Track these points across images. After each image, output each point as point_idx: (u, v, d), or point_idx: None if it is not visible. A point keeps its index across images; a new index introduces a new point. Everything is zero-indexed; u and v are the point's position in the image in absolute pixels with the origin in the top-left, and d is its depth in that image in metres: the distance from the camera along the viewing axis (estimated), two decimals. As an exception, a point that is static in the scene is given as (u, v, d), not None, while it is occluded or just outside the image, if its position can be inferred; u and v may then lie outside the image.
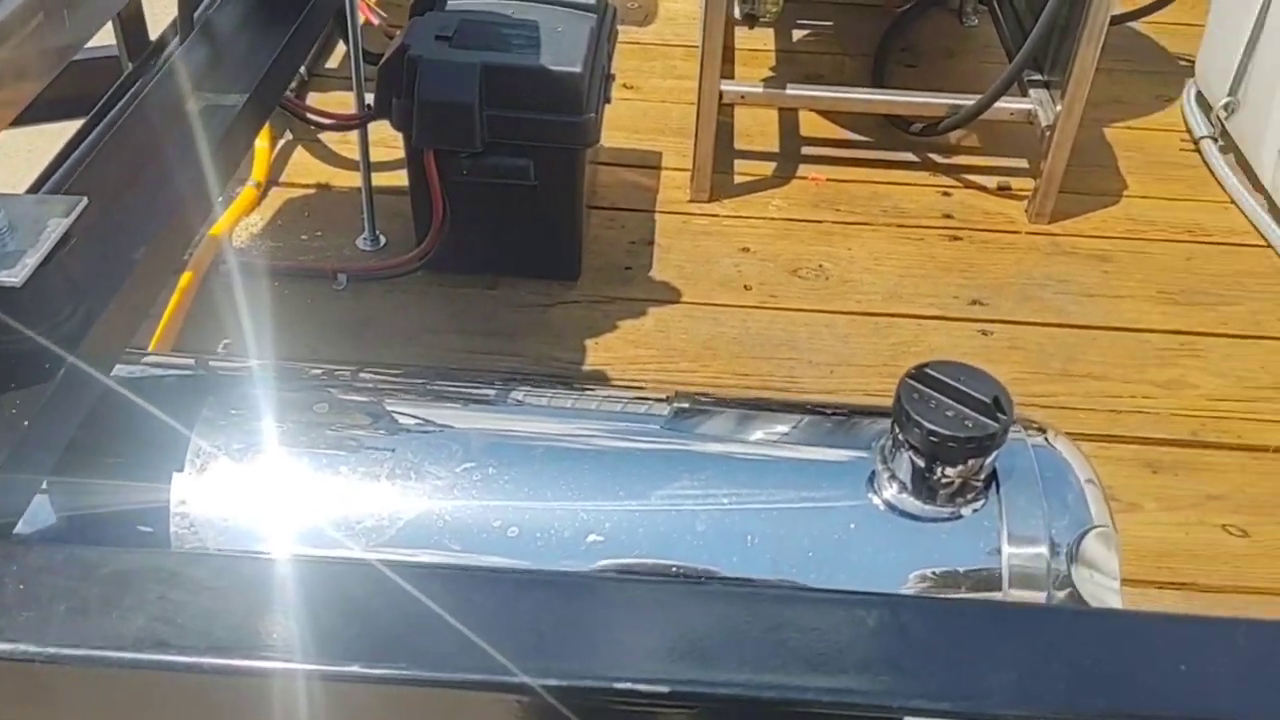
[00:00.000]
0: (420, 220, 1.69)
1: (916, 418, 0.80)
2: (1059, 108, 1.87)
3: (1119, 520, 1.40)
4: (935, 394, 0.83)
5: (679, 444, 0.89)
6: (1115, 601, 0.82)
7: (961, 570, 0.82)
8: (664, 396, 0.94)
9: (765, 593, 0.74)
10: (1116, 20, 2.09)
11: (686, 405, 0.92)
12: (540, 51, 1.59)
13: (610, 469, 0.84)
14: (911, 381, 0.83)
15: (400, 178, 1.70)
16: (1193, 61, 2.32)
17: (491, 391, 0.95)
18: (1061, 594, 0.81)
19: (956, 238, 1.90)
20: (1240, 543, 1.40)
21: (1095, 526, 0.87)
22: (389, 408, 0.88)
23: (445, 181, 1.62)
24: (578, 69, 1.56)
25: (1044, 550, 0.82)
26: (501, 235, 1.72)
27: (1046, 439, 1.00)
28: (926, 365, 0.91)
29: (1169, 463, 1.51)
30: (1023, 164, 2.07)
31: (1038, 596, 0.81)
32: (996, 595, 0.82)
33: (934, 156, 2.09)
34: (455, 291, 1.73)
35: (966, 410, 0.82)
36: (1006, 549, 0.82)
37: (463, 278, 1.74)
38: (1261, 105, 1.99)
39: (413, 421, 0.87)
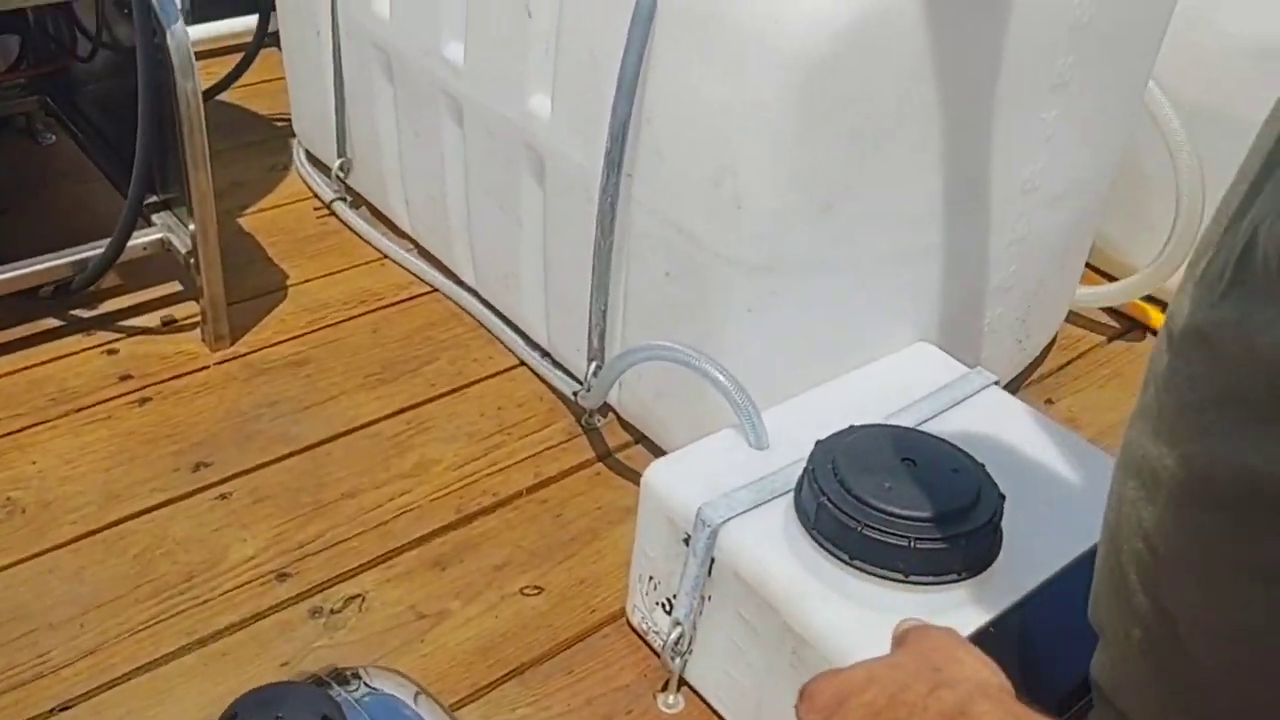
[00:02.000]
0: None
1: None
2: (192, 228, 1.77)
3: (432, 637, 1.39)
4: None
5: None
6: None
7: None
8: None
9: None
10: (206, 96, 2.01)
11: None
12: None
13: None
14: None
15: None
16: (290, 121, 2.34)
17: None
18: None
19: (146, 399, 1.73)
20: (539, 600, 1.47)
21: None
22: None
23: None
24: None
25: None
26: None
27: (366, 684, 0.93)
28: (237, 711, 0.79)
29: (450, 552, 1.53)
30: (177, 288, 1.94)
31: None
32: None
33: (81, 313, 1.87)
34: None
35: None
36: None
37: None
38: (373, 156, 2.06)
39: None
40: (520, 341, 1.87)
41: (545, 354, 1.83)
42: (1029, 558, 1.21)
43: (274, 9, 2.21)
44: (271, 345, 1.85)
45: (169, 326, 1.87)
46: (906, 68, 1.32)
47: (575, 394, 1.72)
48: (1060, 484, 1.33)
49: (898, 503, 1.15)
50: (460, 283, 1.98)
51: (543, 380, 1.82)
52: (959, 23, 1.32)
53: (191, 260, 1.78)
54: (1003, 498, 1.19)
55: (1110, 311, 2.13)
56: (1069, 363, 2.03)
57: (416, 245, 2.08)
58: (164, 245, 1.82)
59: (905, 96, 1.34)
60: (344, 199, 2.17)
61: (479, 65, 1.69)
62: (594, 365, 1.67)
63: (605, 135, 1.47)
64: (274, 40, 2.27)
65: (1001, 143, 1.48)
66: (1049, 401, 1.93)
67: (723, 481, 1.28)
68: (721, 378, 1.37)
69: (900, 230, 1.47)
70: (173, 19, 1.56)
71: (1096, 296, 2.05)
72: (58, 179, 2.16)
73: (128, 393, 1.74)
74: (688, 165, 1.39)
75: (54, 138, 2.26)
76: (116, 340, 1.83)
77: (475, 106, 1.73)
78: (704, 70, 1.33)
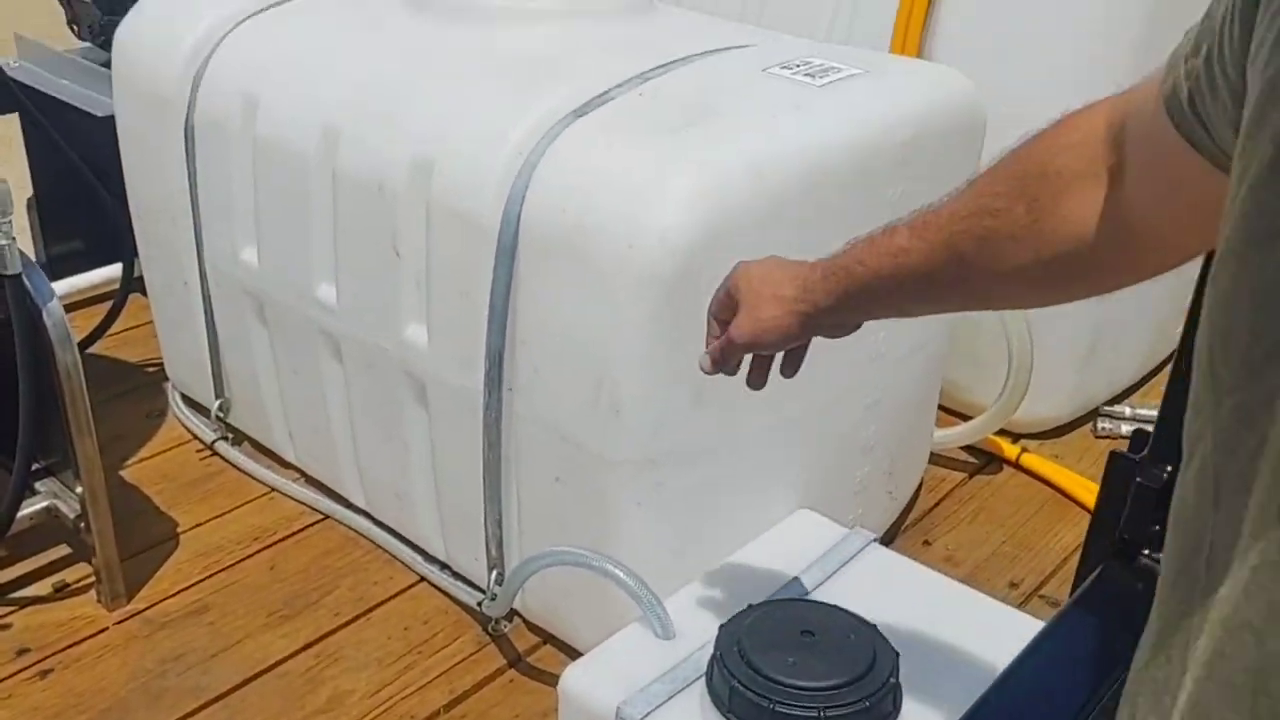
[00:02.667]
0: None
1: None
2: (80, 491, 1.78)
3: None
4: None
5: None
6: None
7: None
8: None
9: None
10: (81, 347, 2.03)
11: None
12: None
13: None
14: None
15: None
16: (161, 366, 2.37)
17: None
18: None
19: (47, 671, 1.70)
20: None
21: None
22: None
23: None
24: None
25: None
26: None
27: None
28: None
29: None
30: (65, 551, 1.93)
31: None
32: None
33: (-33, 591, 1.84)
34: None
35: None
36: None
37: None
38: (253, 394, 2.10)
39: None
40: (419, 558, 1.91)
41: (445, 567, 1.88)
42: (930, 707, 1.29)
43: (136, 256, 2.27)
44: (170, 596, 1.85)
45: (62, 592, 1.86)
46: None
47: (480, 604, 1.76)
48: (947, 631, 1.42)
49: (803, 676, 1.23)
50: (352, 507, 2.02)
51: (446, 594, 1.86)
52: (798, 226, 1.46)
53: (81, 524, 1.78)
54: (897, 654, 1.28)
55: (968, 448, 2.28)
56: (938, 503, 2.16)
57: (304, 475, 2.12)
58: (50, 513, 1.82)
59: (753, 294, 1.47)
60: (225, 438, 2.20)
61: (353, 303, 1.78)
62: (494, 573, 1.73)
63: (483, 358, 1.56)
64: (137, 285, 2.32)
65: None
66: (926, 543, 2.04)
67: (637, 677, 1.34)
68: (621, 574, 1.44)
69: (768, 409, 1.58)
70: (47, 298, 1.61)
71: (952, 438, 2.20)
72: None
73: (26, 667, 1.71)
74: (566, 379, 1.49)
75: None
76: (9, 614, 1.81)
77: (352, 341, 1.81)
78: (571, 295, 1.44)
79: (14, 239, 1.58)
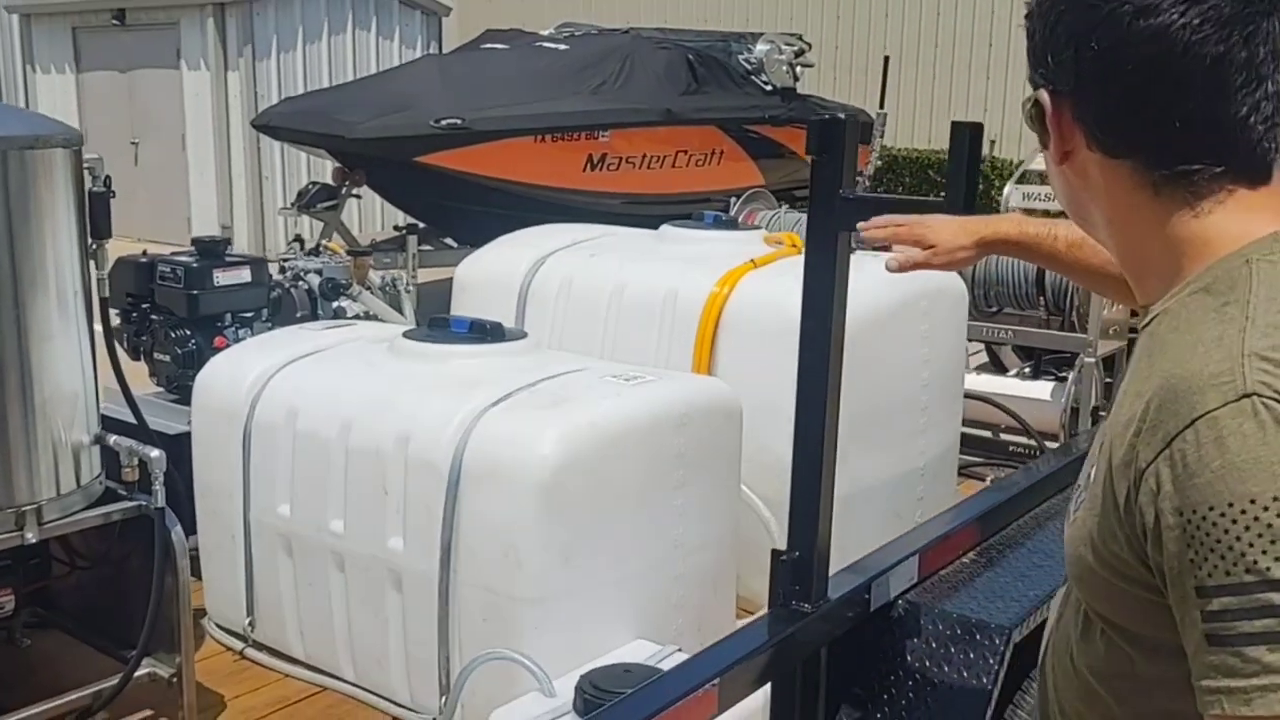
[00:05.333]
0: None
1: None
2: (178, 660, 2.74)
3: None
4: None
5: None
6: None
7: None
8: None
9: None
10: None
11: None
12: None
13: None
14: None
15: None
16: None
17: None
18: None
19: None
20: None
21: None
22: None
23: None
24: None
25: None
26: None
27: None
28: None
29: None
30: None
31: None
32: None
33: (89, 735, 2.75)
34: None
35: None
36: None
37: None
38: (274, 611, 3.10)
39: None
40: (392, 705, 2.87)
41: (409, 710, 2.84)
42: None
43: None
44: (226, 732, 2.79)
45: (152, 736, 2.78)
46: (606, 478, 2.59)
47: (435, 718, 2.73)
48: None
49: (628, 685, 2.25)
50: (345, 680, 2.99)
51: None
52: (619, 458, 2.61)
53: (175, 679, 2.74)
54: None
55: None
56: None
57: (308, 665, 3.09)
58: (151, 678, 2.77)
59: (607, 495, 2.60)
60: (250, 645, 3.18)
61: (354, 530, 2.85)
62: (444, 699, 2.71)
63: (439, 550, 2.64)
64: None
65: (633, 514, 2.75)
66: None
67: (533, 713, 2.33)
68: (525, 661, 2.46)
69: (613, 568, 2.66)
70: (174, 523, 2.67)
71: (752, 624, 3.26)
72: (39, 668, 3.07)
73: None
74: (489, 553, 2.58)
75: (29, 642, 3.19)
76: (118, 747, 2.72)
77: (352, 555, 2.87)
78: (491, 502, 2.56)
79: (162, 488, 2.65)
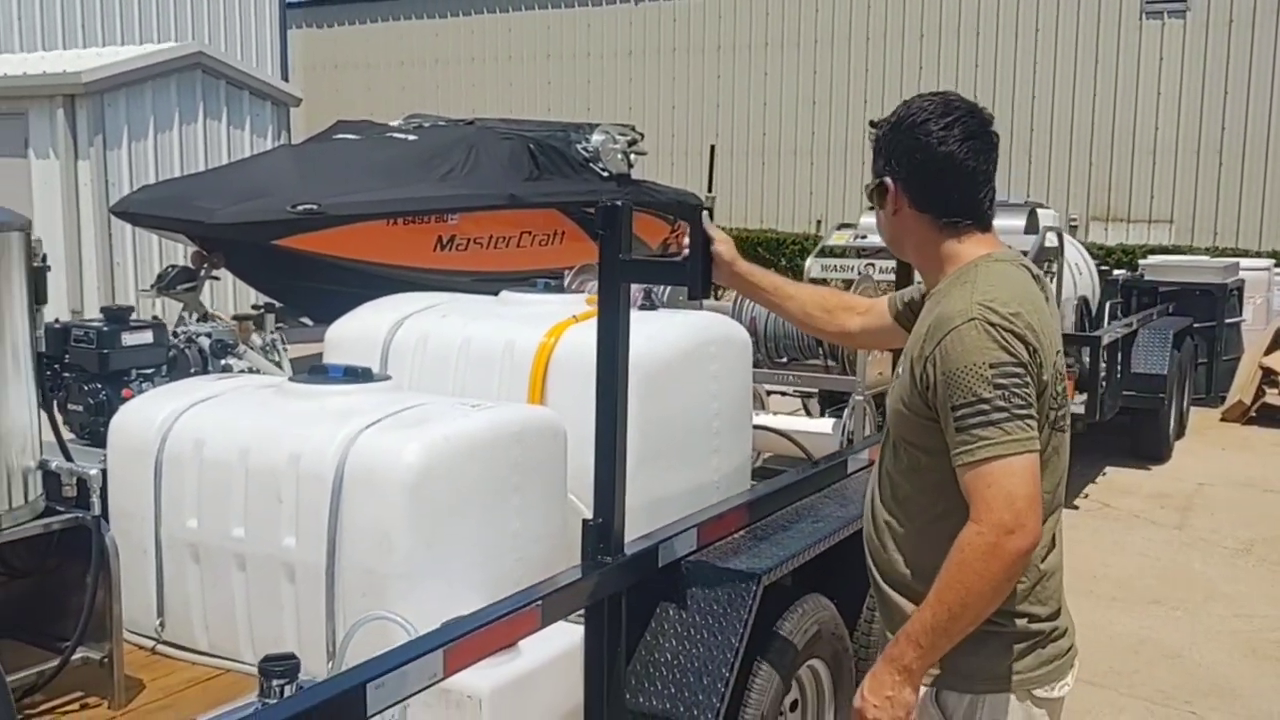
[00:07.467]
0: None
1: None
2: (109, 645, 3.35)
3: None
4: None
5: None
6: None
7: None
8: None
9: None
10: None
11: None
12: None
13: None
14: None
15: None
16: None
17: None
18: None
19: (90, 733, 3.21)
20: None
21: None
22: None
23: None
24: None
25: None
26: None
27: None
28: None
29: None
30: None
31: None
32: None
33: None
34: None
35: None
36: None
37: None
38: (181, 612, 3.72)
39: None
40: (287, 676, 3.52)
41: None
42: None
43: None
44: (147, 704, 3.39)
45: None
46: (458, 481, 3.34)
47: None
48: None
49: (473, 627, 3.00)
50: (240, 661, 3.63)
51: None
52: (467, 464, 3.37)
53: (106, 659, 3.34)
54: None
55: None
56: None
57: (210, 654, 3.72)
58: (85, 663, 3.37)
59: (459, 494, 3.35)
60: (161, 642, 3.79)
61: (254, 533, 3.53)
62: (330, 664, 3.39)
63: (325, 543, 3.34)
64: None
65: (480, 510, 3.51)
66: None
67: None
68: (398, 619, 3.17)
69: (465, 552, 3.40)
70: (114, 553, 3.30)
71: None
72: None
73: (78, 733, 3.21)
74: (367, 540, 3.30)
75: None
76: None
77: (252, 556, 3.54)
78: (366, 501, 3.29)
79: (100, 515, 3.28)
